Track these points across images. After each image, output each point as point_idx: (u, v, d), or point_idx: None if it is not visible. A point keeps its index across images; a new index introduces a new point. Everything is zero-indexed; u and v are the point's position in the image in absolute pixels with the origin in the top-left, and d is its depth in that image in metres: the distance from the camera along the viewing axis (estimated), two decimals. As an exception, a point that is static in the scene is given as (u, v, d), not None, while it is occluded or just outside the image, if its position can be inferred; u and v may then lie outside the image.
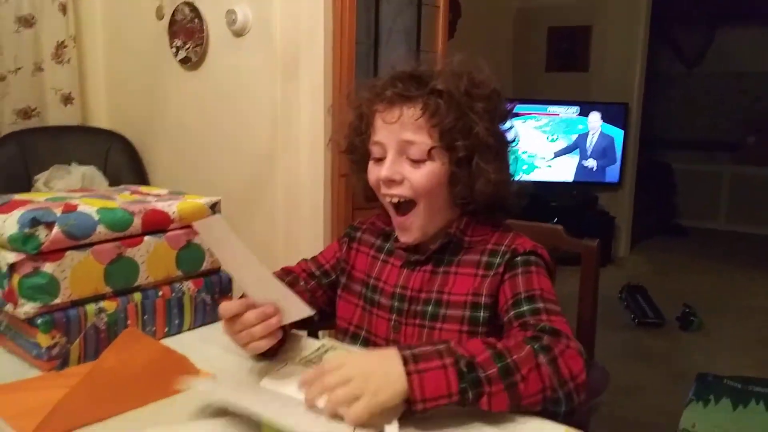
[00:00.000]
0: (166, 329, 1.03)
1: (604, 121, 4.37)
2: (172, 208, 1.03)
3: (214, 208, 1.10)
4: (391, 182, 0.94)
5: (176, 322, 1.04)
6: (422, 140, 0.92)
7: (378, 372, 0.72)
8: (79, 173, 2.38)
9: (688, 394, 2.38)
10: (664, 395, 2.48)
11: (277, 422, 0.68)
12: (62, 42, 2.58)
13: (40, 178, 2.35)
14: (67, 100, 2.63)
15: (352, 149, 1.03)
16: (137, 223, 0.97)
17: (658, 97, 5.43)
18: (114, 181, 2.47)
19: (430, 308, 0.95)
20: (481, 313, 0.92)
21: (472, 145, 0.92)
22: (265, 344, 0.85)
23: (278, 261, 2.14)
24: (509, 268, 0.93)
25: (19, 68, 2.49)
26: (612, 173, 4.45)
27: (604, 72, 4.57)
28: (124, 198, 1.04)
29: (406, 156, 0.93)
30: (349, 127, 1.03)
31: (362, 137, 1.00)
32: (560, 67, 4.74)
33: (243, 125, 2.25)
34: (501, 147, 0.97)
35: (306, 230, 2.15)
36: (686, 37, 5.69)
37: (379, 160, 0.96)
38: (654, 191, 5.17)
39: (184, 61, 2.37)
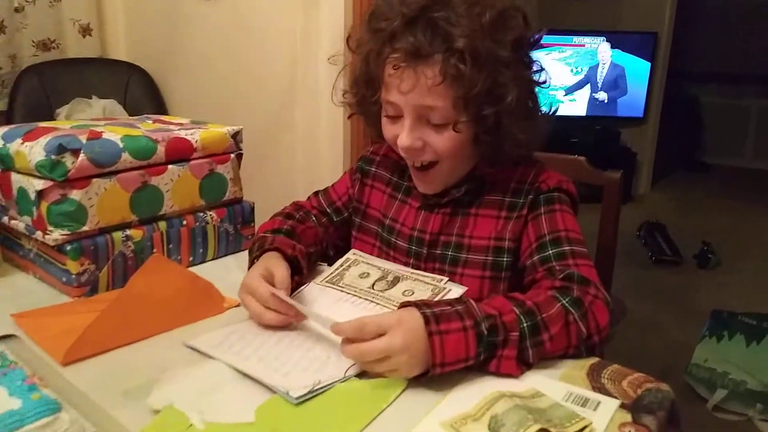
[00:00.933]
0: (191, 258, 1.05)
1: (630, 52, 4.22)
2: (195, 136, 1.03)
3: (236, 137, 1.10)
4: (411, 150, 0.87)
5: (200, 251, 1.06)
6: (444, 106, 0.82)
7: (414, 345, 0.68)
8: (99, 106, 2.39)
9: (701, 331, 2.41)
10: (678, 331, 2.51)
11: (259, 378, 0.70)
12: (79, -30, 2.53)
13: (62, 112, 2.36)
14: (85, 31, 2.60)
15: (362, 102, 0.94)
16: (161, 151, 0.98)
17: (688, 26, 5.22)
18: (134, 115, 2.47)
19: (450, 252, 0.93)
20: (505, 258, 0.90)
21: (500, 111, 0.83)
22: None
23: (297, 192, 2.16)
24: (533, 208, 0.90)
25: (36, -2, 2.46)
26: (625, 106, 4.31)
27: (634, -1, 4.38)
28: (147, 126, 1.05)
29: (427, 119, 0.85)
30: (356, 77, 0.93)
31: (373, 91, 0.90)
32: (589, -6, 4.55)
33: (263, 56, 2.23)
34: (531, 98, 0.89)
35: (325, 162, 2.15)
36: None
37: (395, 117, 0.88)
38: (679, 126, 5.05)
39: (202, -10, 2.32)
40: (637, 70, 4.26)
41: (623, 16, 4.43)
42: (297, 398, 0.67)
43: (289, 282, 0.84)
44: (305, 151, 2.19)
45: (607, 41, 4.19)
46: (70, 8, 2.55)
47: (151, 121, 1.10)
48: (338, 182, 1.10)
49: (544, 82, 0.89)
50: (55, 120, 2.38)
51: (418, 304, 0.71)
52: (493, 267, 0.90)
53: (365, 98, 0.93)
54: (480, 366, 0.71)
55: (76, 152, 0.88)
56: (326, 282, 0.91)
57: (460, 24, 0.80)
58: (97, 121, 1.06)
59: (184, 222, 1.03)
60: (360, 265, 0.94)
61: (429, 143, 0.86)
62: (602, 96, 4.27)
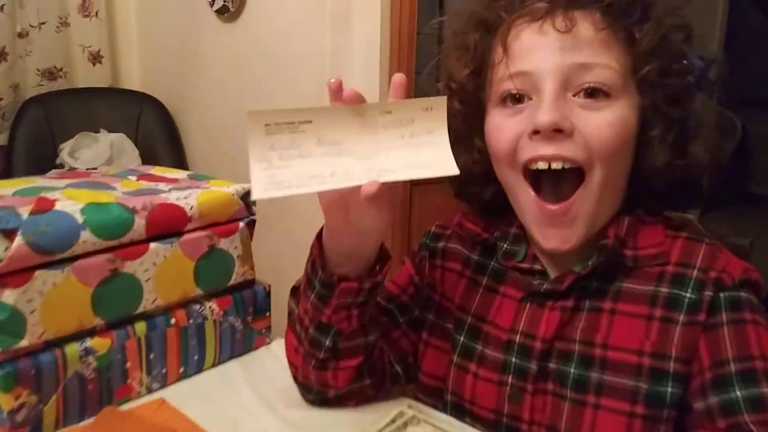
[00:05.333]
0: (181, 369, 0.76)
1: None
2: (190, 200, 0.75)
3: (246, 198, 0.82)
4: (554, 133, 0.58)
5: (195, 358, 0.77)
6: (608, 63, 0.59)
7: None
8: (107, 142, 2.16)
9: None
10: None
11: None
12: (89, -8, 2.33)
13: (65, 148, 2.14)
14: (95, 58, 2.39)
15: (464, 98, 0.67)
16: (140, 224, 0.70)
17: (734, 51, 4.90)
18: (146, 149, 2.25)
19: (573, 369, 0.61)
20: (669, 388, 0.58)
21: (687, 83, 0.60)
22: None
23: None
24: (711, 313, 0.59)
25: (42, 23, 2.25)
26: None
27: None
28: (127, 186, 0.77)
29: (575, 92, 0.59)
30: (452, 63, 0.68)
31: (481, 75, 0.66)
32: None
33: (287, 84, 1.97)
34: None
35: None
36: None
37: (517, 101, 0.62)
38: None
39: (221, 12, 2.09)
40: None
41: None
42: None
43: None
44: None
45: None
46: (80, 34, 2.33)
47: (135, 178, 0.83)
48: (398, 274, 0.78)
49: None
50: (59, 156, 2.14)
51: None
52: (649, 399, 0.59)
53: (468, 93, 0.67)
54: None
55: (10, 234, 0.61)
56: None
57: None
58: (58, 179, 0.78)
59: (173, 320, 0.74)
60: (421, 426, 0.63)
61: (580, 124, 0.59)
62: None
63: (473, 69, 0.66)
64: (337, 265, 0.62)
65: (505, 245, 0.69)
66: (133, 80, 2.53)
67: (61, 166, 2.13)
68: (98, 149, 2.14)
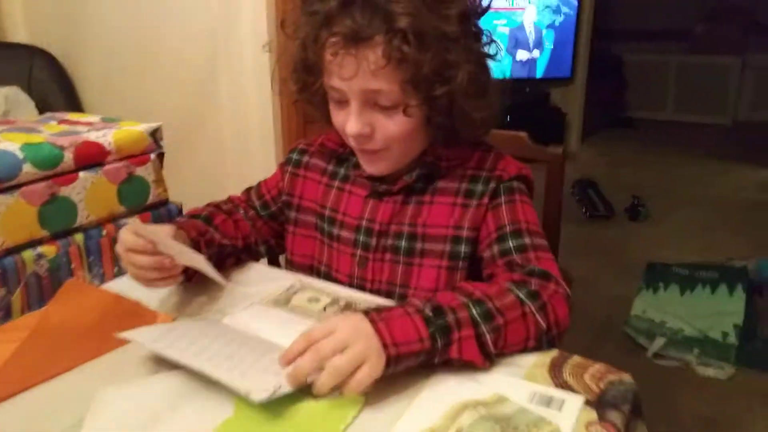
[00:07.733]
0: (115, 269, 0.96)
1: (554, 13, 4.22)
2: (107, 138, 0.94)
3: (155, 135, 1.01)
4: (360, 137, 0.82)
5: (125, 261, 0.97)
6: (391, 89, 0.77)
7: (364, 330, 0.64)
8: (1, 95, 2.18)
9: (638, 283, 2.48)
10: (615, 285, 2.57)
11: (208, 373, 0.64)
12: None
13: (-42, 103, 2.15)
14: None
15: (305, 90, 0.86)
16: (69, 158, 0.88)
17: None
18: (41, 103, 2.28)
19: (403, 242, 0.88)
20: (463, 248, 0.86)
21: (453, 90, 0.78)
22: (161, 285, 0.82)
23: (228, 191, 2.04)
24: (493, 197, 0.86)
25: None
26: (552, 67, 4.33)
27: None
28: (50, 129, 0.94)
29: (375, 102, 0.79)
30: (295, 64, 0.86)
31: (315, 77, 0.83)
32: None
33: (181, 33, 2.08)
34: (484, 73, 0.83)
35: (256, 153, 2.04)
36: None
37: (342, 102, 0.82)
38: (604, 84, 5.15)
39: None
40: (563, 30, 4.28)
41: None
42: (259, 402, 0.61)
43: (161, 232, 0.80)
44: (234, 144, 2.06)
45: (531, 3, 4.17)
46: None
47: (55, 122, 0.99)
48: (271, 176, 1.05)
49: (496, 54, 0.84)
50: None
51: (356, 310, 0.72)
52: (451, 256, 0.87)
53: (307, 85, 0.86)
54: (440, 355, 0.67)
55: (-33, 167, 0.78)
56: (271, 303, 0.86)
57: (401, 1, 0.74)
58: (-8, 125, 0.94)
59: (104, 232, 0.94)
60: (306, 290, 0.89)
61: (378, 128, 0.81)
62: (524, 55, 4.23)
63: (313, 70, 0.82)
64: None
65: (355, 158, 0.93)
66: (17, 32, 2.51)
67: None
68: (-7, 104, 2.17)
